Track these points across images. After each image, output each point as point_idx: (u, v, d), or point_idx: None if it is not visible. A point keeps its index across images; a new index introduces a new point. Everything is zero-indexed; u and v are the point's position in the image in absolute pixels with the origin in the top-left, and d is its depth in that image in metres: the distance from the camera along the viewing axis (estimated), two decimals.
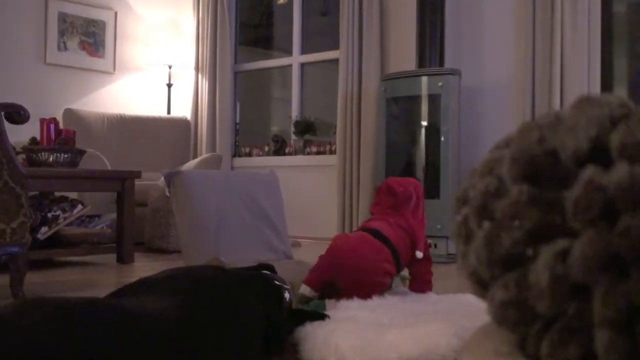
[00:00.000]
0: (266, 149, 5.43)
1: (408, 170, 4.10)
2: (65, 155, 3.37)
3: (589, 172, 0.64)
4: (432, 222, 3.83)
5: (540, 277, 0.64)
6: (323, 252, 2.03)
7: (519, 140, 0.75)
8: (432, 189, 3.90)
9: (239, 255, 2.67)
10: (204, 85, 5.58)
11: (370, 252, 1.92)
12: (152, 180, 4.52)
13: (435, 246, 3.81)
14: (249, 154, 5.53)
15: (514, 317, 0.69)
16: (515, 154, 0.73)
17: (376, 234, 1.97)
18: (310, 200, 4.91)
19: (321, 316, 1.60)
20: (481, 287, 0.77)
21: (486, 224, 0.74)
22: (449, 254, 3.77)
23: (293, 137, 5.26)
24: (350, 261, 1.90)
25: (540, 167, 0.71)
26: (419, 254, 2.05)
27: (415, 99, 4.05)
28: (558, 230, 0.66)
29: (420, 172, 4.01)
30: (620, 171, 0.62)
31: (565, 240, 0.65)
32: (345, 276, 1.90)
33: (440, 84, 3.89)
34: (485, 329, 0.82)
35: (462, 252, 0.79)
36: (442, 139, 3.87)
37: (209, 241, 2.71)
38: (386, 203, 2.10)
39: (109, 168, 4.30)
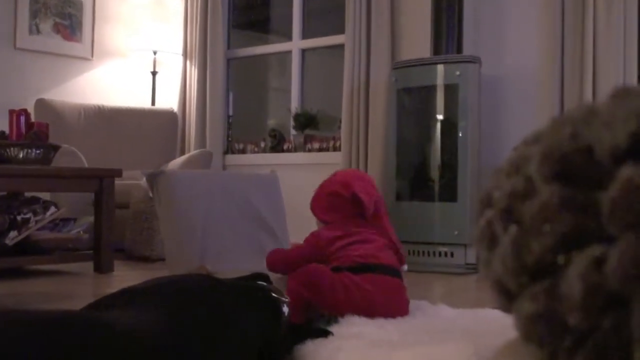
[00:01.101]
0: (262, 145, 5.44)
1: (421, 169, 4.10)
2: (37, 151, 3.38)
3: (628, 170, 0.65)
4: (448, 228, 3.83)
5: (572, 287, 0.65)
6: None
7: (549, 135, 0.75)
8: (449, 191, 3.90)
9: (230, 263, 2.68)
10: (193, 74, 5.59)
11: (405, 304, 1.93)
12: (134, 180, 4.52)
13: (452, 255, 3.82)
14: (243, 151, 5.54)
15: (543, 331, 0.69)
16: (545, 150, 0.74)
17: (394, 273, 1.95)
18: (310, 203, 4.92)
19: (324, 332, 1.60)
20: (506, 298, 0.77)
21: (513, 229, 0.74)
22: (467, 264, 3.78)
23: (292, 132, 5.26)
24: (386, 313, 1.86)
25: (573, 165, 0.71)
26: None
27: (429, 90, 4.05)
28: (593, 236, 0.67)
29: (435, 172, 4.02)
30: None
31: (600, 246, 0.65)
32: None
33: (457, 73, 3.90)
34: (510, 346, 0.82)
35: (485, 260, 0.80)
36: (460, 134, 3.88)
37: (195, 248, 2.72)
38: (349, 211, 2.09)
39: (86, 165, 4.30)
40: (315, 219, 2.20)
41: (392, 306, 1.89)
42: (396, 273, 1.97)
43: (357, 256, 1.94)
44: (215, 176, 2.97)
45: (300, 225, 4.86)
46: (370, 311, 1.83)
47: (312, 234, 2.09)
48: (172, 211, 2.76)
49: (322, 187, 2.20)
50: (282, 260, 2.10)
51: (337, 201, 2.12)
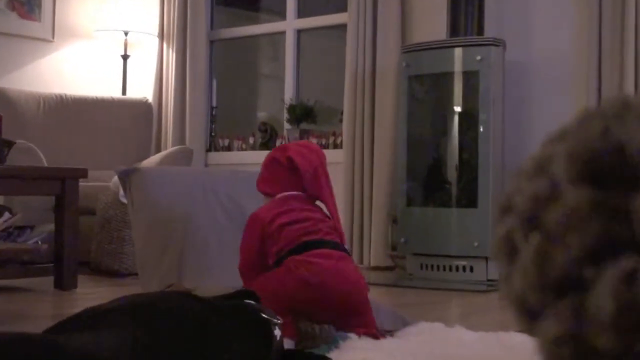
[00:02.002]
0: (251, 141, 5.45)
1: (436, 170, 4.11)
2: None
3: None
4: (467, 239, 3.84)
5: (602, 305, 0.66)
6: None
7: (577, 132, 0.76)
8: (468, 196, 3.92)
9: (214, 278, 2.67)
10: (170, 58, 5.60)
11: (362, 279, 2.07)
12: (102, 181, 4.53)
13: (472, 270, 3.83)
14: (229, 148, 5.54)
15: (570, 355, 0.70)
16: (572, 149, 0.75)
17: (340, 247, 2.09)
18: None
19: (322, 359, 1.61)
20: (528, 317, 0.78)
21: (535, 237, 0.75)
22: (489, 280, 3.80)
23: (286, 125, 5.28)
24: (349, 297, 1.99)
25: (604, 165, 0.72)
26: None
27: (445, 78, 4.06)
28: (625, 245, 0.68)
29: (451, 173, 4.03)
30: None
31: (634, 258, 0.66)
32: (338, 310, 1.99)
33: (478, 57, 3.90)
34: None
35: (504, 274, 0.81)
36: (481, 129, 3.89)
37: (173, 260, 2.71)
38: (288, 181, 2.19)
39: (46, 164, 4.31)
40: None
41: (346, 275, 1.99)
42: (342, 247, 2.09)
43: (299, 236, 2.05)
44: (198, 174, 2.97)
45: None
46: (324, 287, 1.94)
47: (251, 218, 2.16)
48: (147, 216, 2.76)
49: (266, 158, 2.29)
50: (241, 268, 2.16)
51: (275, 169, 2.21)
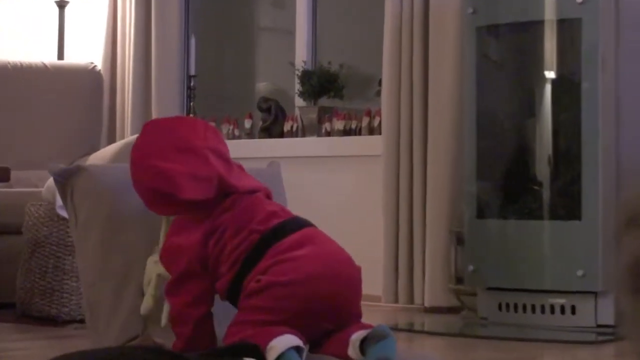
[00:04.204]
0: (247, 124, 5.45)
1: (519, 165, 4.10)
2: None
3: None
4: (567, 265, 3.83)
5: None
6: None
7: None
8: (568, 203, 3.91)
9: None
10: (128, 7, 5.62)
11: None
12: (30, 186, 4.53)
13: (574, 311, 3.82)
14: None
15: None
16: None
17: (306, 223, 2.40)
18: (335, 217, 4.92)
19: None
20: None
21: None
22: (600, 326, 3.77)
23: (299, 101, 5.28)
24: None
25: None
26: None
27: (532, 29, 4.06)
28: None
29: (542, 169, 4.02)
30: None
31: None
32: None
33: (579, 0, 3.89)
34: None
35: (632, 314, 0.80)
36: (584, 103, 3.88)
37: (136, 300, 2.73)
38: (186, 203, 2.41)
39: None
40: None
41: (336, 254, 2.30)
42: (307, 222, 2.38)
43: (250, 239, 2.30)
44: None
45: None
46: (312, 283, 2.21)
47: (166, 251, 2.42)
48: (99, 236, 2.76)
49: (135, 172, 2.49)
50: (175, 324, 2.41)
51: (166, 198, 2.41)
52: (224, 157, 2.47)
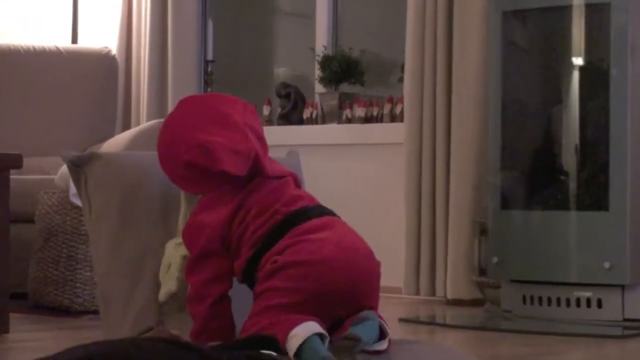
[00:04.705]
0: (266, 111, 5.45)
1: (545, 154, 4.09)
2: None
3: None
4: (594, 258, 3.81)
5: None
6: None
7: None
8: (595, 193, 3.90)
9: None
10: None
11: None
12: (43, 174, 4.54)
13: (601, 304, 3.80)
14: None
15: None
16: None
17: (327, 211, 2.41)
18: (356, 207, 4.90)
19: None
20: None
21: None
22: (626, 320, 3.77)
23: (319, 88, 5.29)
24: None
25: None
26: None
27: (559, 14, 4.04)
28: None
29: (570, 159, 4.01)
30: None
31: None
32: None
33: None
34: None
35: None
36: (612, 90, 3.85)
37: (151, 290, 2.71)
38: (220, 178, 2.42)
39: None
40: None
41: (355, 243, 2.32)
42: (331, 212, 2.39)
43: (274, 220, 2.32)
44: None
45: None
46: (328, 266, 2.22)
47: (189, 228, 2.44)
48: (113, 225, 2.74)
49: (169, 145, 2.50)
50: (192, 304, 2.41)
51: (199, 171, 2.42)
52: (261, 137, 2.49)
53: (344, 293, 2.24)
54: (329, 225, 2.32)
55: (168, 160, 2.50)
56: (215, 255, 2.36)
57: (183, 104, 2.53)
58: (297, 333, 2.10)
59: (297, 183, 2.50)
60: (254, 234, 2.31)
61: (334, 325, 2.25)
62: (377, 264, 2.33)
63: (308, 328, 2.12)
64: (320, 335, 2.12)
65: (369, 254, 2.32)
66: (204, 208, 2.42)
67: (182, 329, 2.52)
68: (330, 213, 2.39)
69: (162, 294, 2.54)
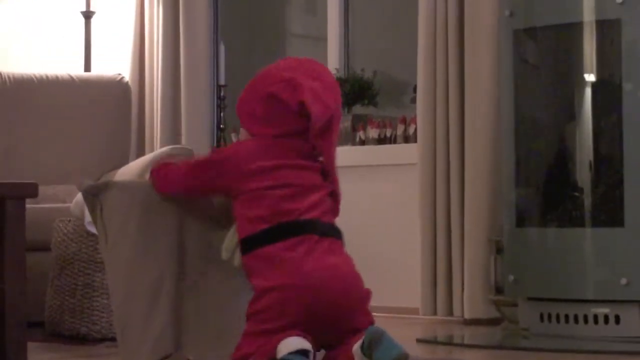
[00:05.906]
0: None
1: (560, 171, 4.08)
2: None
3: None
4: (610, 274, 3.80)
5: None
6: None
7: None
8: (610, 209, 3.89)
9: (230, 343, 2.68)
10: (156, 15, 5.63)
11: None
12: (58, 202, 4.54)
13: (618, 321, 3.79)
14: None
15: None
16: None
17: (331, 231, 2.50)
18: (371, 228, 4.90)
19: None
20: None
21: None
22: None
23: None
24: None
25: None
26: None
27: (570, 31, 4.03)
28: None
29: (584, 175, 4.00)
30: None
31: None
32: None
33: (619, 0, 3.88)
34: None
35: None
36: (625, 106, 3.85)
37: (168, 317, 2.73)
38: (290, 125, 2.49)
39: None
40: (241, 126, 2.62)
41: (335, 270, 2.40)
42: (333, 232, 2.48)
43: (279, 213, 2.40)
44: None
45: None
46: (304, 290, 2.31)
47: (231, 147, 2.65)
48: (128, 253, 2.77)
49: (257, 81, 2.54)
50: (164, 178, 2.61)
51: (275, 108, 2.46)
52: (339, 115, 2.58)
53: (323, 317, 2.33)
54: (318, 245, 2.39)
55: (249, 93, 2.55)
56: (217, 177, 2.51)
57: (276, 61, 2.59)
58: (279, 349, 2.23)
59: (335, 195, 2.58)
60: (265, 209, 2.41)
61: (330, 347, 2.36)
62: (360, 289, 2.44)
63: (289, 344, 2.24)
64: (304, 352, 2.21)
65: (350, 279, 2.42)
66: (254, 144, 2.51)
67: (199, 355, 2.54)
68: (335, 235, 2.46)
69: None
